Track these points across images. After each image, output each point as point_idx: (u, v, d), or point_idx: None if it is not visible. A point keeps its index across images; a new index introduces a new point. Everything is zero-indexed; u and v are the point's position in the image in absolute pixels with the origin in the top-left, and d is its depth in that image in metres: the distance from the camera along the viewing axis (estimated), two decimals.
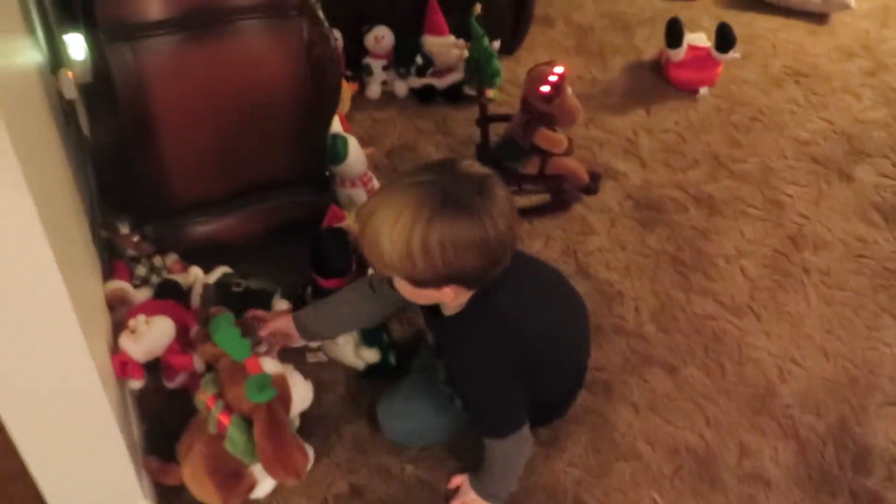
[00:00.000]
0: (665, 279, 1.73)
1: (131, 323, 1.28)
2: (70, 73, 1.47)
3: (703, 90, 2.33)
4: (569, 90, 1.86)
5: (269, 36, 1.41)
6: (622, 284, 1.71)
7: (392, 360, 1.44)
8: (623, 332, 1.60)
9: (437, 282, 1.07)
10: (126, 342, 1.26)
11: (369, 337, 1.42)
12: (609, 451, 1.39)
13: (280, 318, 1.36)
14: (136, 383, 1.30)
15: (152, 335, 1.29)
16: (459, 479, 1.30)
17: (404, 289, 1.12)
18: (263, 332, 1.34)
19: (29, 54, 1.23)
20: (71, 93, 1.46)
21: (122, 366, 1.24)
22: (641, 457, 1.38)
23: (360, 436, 1.38)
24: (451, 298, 1.11)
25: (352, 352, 1.42)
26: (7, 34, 1.03)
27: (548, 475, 1.34)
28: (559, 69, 1.81)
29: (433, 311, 1.20)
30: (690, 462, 1.38)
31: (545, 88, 1.79)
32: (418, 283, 1.08)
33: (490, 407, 1.20)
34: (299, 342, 1.38)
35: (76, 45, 1.53)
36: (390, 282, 1.14)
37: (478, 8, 2.01)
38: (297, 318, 1.36)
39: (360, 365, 1.43)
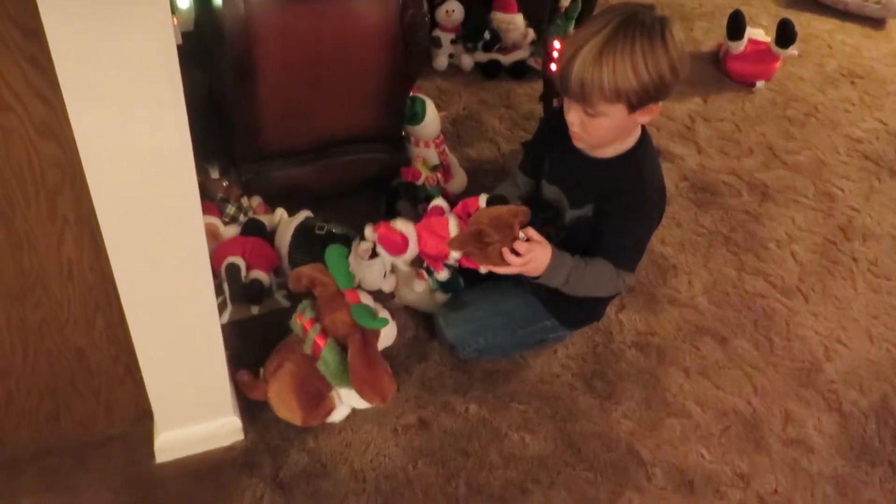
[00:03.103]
0: (718, 257, 1.80)
1: None
2: (175, 21, 1.56)
3: (760, 84, 2.39)
4: None
5: None
6: (676, 259, 1.78)
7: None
8: (676, 303, 1.68)
9: (650, 99, 1.21)
10: None
11: (445, 286, 1.50)
12: (661, 408, 1.47)
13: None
14: None
15: None
16: (542, 243, 1.29)
17: (612, 122, 1.24)
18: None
19: None
20: (177, 38, 1.55)
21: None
22: (691, 416, 1.46)
23: (428, 375, 1.47)
24: (649, 119, 1.26)
25: (428, 299, 1.51)
26: None
27: (603, 424, 1.42)
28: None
29: (573, 158, 1.34)
30: (737, 424, 1.46)
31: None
32: (638, 104, 1.21)
33: (639, 242, 1.36)
34: None
35: None
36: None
37: None
38: None
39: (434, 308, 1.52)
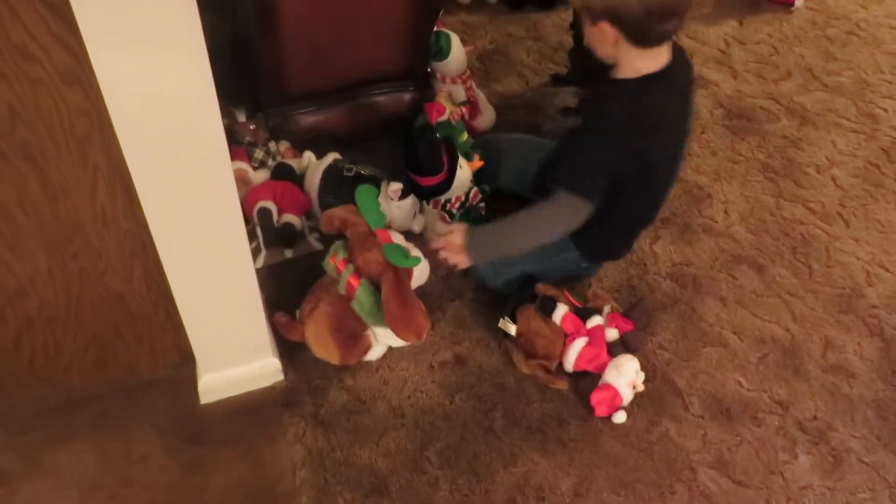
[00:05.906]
0: (755, 185, 1.76)
1: None
2: None
3: (799, 3, 2.28)
4: None
5: None
6: (712, 188, 1.75)
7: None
8: (712, 232, 1.65)
9: (596, 14, 1.24)
10: None
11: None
12: (697, 338, 1.46)
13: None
14: None
15: None
16: (456, 226, 1.37)
17: (588, 31, 1.30)
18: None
19: None
20: None
21: None
22: (728, 344, 1.45)
23: (461, 313, 1.47)
24: (610, 42, 1.25)
25: None
26: None
27: (638, 355, 1.42)
28: None
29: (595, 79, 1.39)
30: (776, 352, 1.45)
31: None
32: (592, 17, 1.26)
33: (587, 164, 1.31)
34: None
35: None
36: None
37: None
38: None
39: None
